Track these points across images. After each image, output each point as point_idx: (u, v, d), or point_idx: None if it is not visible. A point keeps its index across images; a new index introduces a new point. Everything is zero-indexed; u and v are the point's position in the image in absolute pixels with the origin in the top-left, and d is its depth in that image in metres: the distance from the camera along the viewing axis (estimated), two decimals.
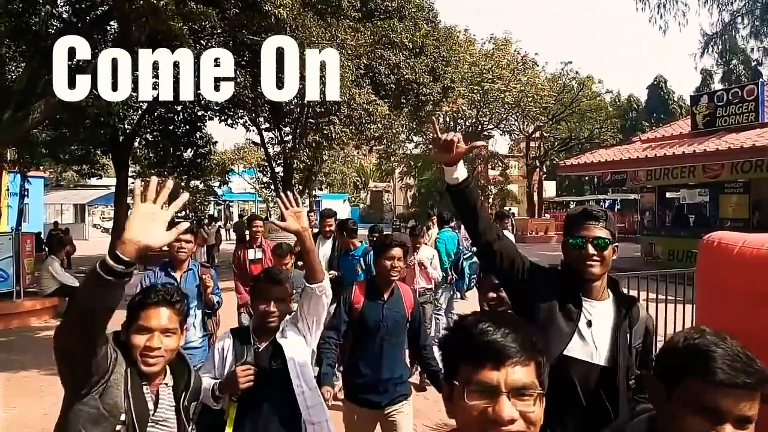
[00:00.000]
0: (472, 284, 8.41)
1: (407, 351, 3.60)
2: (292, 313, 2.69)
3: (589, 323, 2.04)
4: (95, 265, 1.52)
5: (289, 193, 2.58)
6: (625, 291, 2.22)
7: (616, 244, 2.12)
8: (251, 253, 6.37)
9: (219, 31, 10.86)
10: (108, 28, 12.05)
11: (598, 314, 2.07)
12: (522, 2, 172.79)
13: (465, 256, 8.37)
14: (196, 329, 4.29)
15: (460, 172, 2.06)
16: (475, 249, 2.32)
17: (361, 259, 5.92)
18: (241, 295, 6.26)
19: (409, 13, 14.48)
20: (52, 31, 10.65)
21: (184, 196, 2.02)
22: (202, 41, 11.66)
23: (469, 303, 9.23)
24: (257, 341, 2.57)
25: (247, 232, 7.25)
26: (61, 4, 11.57)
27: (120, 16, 8.72)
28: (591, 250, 2.04)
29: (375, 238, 6.44)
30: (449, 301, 7.69)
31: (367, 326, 3.33)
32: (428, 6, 15.84)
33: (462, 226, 11.81)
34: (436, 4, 16.14)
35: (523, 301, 2.14)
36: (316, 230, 6.75)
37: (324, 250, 6.40)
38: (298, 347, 2.58)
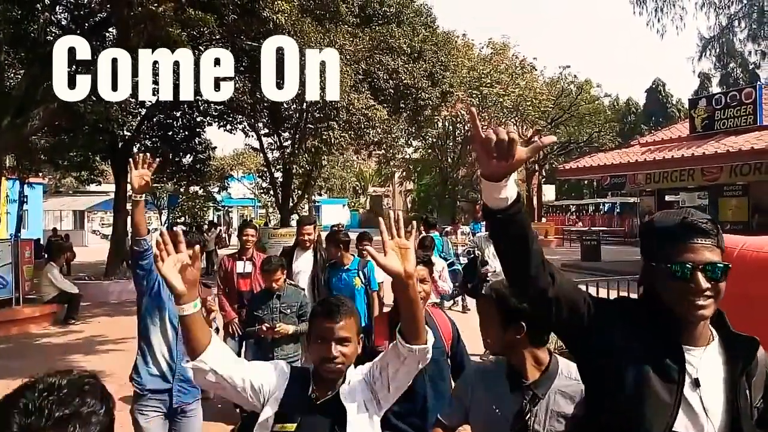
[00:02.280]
0: (455, 293, 8.38)
1: None
2: (369, 367, 2.01)
3: (696, 383, 1.44)
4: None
5: (396, 212, 1.87)
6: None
7: None
8: (240, 266, 5.57)
9: (217, 36, 10.89)
10: (106, 34, 12.08)
11: (706, 367, 1.47)
12: (519, 7, 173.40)
13: (446, 263, 8.32)
14: None
15: (510, 189, 1.38)
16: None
17: (359, 271, 5.36)
18: (226, 312, 5.53)
19: (407, 18, 14.53)
20: (51, 38, 10.67)
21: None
22: (200, 47, 11.68)
23: (469, 316, 9.23)
24: (315, 389, 1.94)
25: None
26: (60, 10, 11.60)
27: (118, 22, 8.74)
28: (703, 282, 1.40)
29: (363, 248, 6.11)
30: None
31: None
32: (426, 11, 15.88)
33: (458, 232, 11.75)
34: (434, 9, 16.20)
35: (589, 355, 1.55)
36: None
37: (302, 264, 5.64)
38: (365, 412, 1.94)
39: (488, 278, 6.92)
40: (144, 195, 3.24)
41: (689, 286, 1.41)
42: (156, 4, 7.47)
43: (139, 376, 3.35)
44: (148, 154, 3.23)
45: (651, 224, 1.55)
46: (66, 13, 11.78)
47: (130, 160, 3.16)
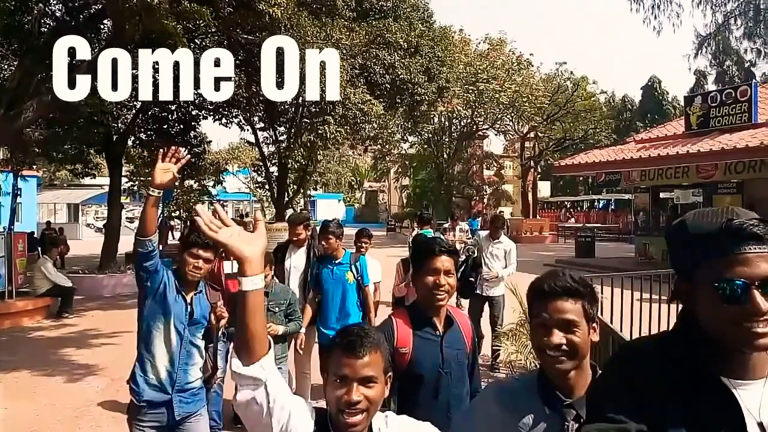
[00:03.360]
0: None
1: None
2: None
3: (761, 427, 1.12)
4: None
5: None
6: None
7: None
8: (227, 266, 5.13)
9: (213, 30, 10.83)
10: (101, 26, 12.00)
11: None
12: (516, 3, 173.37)
13: None
14: (199, 366, 3.32)
15: None
16: None
17: (352, 266, 5.21)
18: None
19: (404, 12, 14.48)
20: (45, 30, 10.60)
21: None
22: (196, 40, 11.62)
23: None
24: None
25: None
26: (54, 2, 11.51)
27: (113, 14, 8.67)
28: (762, 304, 1.07)
29: (362, 244, 5.75)
30: None
31: (421, 376, 2.36)
32: (423, 6, 15.85)
33: (456, 228, 11.81)
34: (431, 3, 16.17)
35: None
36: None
37: (295, 261, 5.49)
38: None
39: (483, 279, 6.92)
40: (160, 191, 2.91)
41: (744, 309, 1.07)
42: None
43: (136, 385, 3.12)
44: (182, 149, 2.94)
45: (683, 229, 1.18)
46: (60, 5, 11.69)
47: (161, 151, 2.84)
